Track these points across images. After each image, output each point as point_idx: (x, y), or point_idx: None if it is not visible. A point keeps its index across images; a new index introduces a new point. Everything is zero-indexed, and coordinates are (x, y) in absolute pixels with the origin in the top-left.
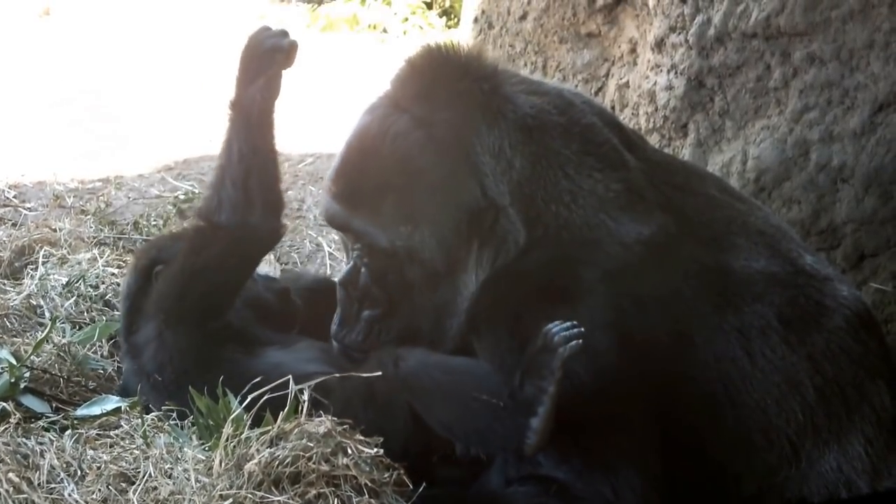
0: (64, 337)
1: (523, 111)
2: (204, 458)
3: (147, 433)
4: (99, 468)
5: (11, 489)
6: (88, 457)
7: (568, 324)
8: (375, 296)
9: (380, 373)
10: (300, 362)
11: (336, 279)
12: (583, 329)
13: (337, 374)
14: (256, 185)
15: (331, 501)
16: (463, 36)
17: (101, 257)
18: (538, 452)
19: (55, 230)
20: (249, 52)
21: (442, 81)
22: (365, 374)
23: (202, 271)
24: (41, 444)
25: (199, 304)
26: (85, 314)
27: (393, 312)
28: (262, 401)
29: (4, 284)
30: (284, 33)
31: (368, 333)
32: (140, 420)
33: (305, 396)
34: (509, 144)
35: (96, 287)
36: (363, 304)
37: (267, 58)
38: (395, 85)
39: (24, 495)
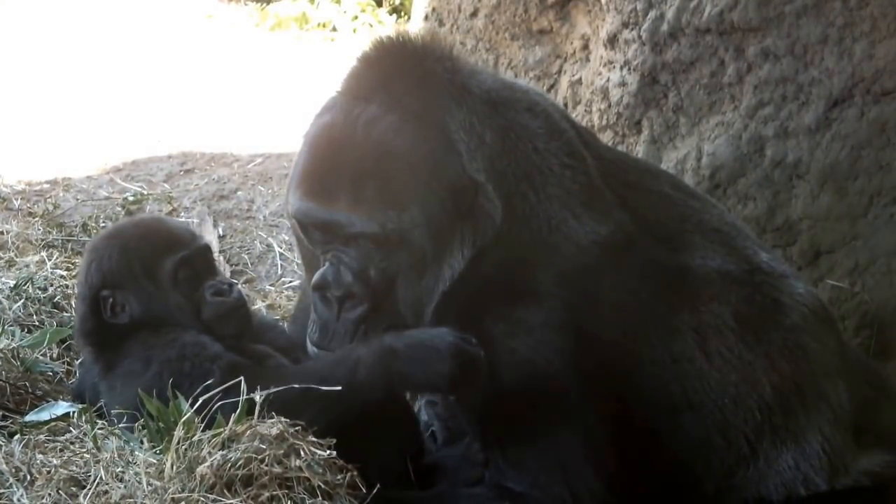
0: (13, 341)
1: (487, 86)
2: (155, 461)
3: (97, 437)
4: (49, 472)
5: None
6: (38, 461)
7: None
8: (358, 294)
9: None
10: None
11: (311, 283)
12: None
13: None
14: None
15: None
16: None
17: (50, 260)
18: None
19: (2, 233)
20: None
21: (402, 68)
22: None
23: None
24: None
25: None
26: (34, 317)
27: (377, 308)
28: (214, 402)
29: None
30: None
31: (354, 334)
32: (90, 424)
33: (258, 397)
34: (478, 119)
35: (45, 290)
36: (343, 304)
37: None
38: (351, 81)
39: None
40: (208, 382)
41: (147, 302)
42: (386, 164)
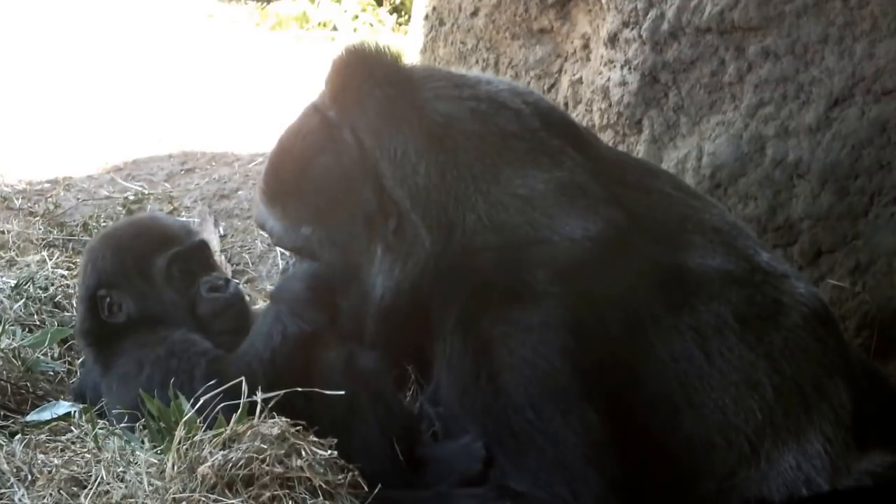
0: (14, 340)
1: (431, 119)
2: (156, 461)
3: (98, 437)
4: (50, 472)
5: None
6: (39, 461)
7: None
8: None
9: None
10: None
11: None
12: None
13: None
14: None
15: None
16: (413, 33)
17: (51, 259)
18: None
19: (3, 232)
20: None
21: (350, 85)
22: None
23: None
24: None
25: None
26: (35, 316)
27: None
28: (215, 402)
29: None
30: None
31: None
32: (91, 424)
33: (259, 397)
34: (414, 151)
35: (46, 289)
36: None
37: None
38: (324, 84)
39: None
40: (196, 377)
41: (142, 300)
42: (307, 181)
